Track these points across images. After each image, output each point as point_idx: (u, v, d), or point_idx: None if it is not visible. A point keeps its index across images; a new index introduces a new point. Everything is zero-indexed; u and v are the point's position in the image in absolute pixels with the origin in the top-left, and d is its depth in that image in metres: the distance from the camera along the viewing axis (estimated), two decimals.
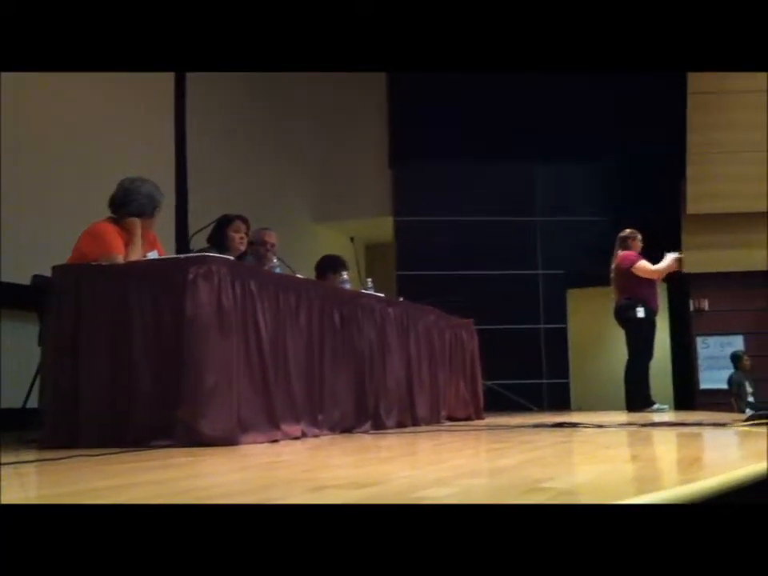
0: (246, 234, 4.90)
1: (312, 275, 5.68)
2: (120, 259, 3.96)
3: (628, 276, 7.42)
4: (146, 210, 4.19)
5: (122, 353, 3.58)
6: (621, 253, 7.58)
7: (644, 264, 7.40)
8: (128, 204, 4.16)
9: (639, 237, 7.63)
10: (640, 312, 7.34)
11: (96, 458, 2.89)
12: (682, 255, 7.55)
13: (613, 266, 7.63)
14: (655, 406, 7.31)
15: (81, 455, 2.96)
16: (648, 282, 7.43)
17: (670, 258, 7.44)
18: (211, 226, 4.98)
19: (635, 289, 7.40)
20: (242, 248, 4.85)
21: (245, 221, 4.91)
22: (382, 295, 5.52)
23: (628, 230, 7.68)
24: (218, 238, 4.85)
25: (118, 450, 3.19)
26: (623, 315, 7.51)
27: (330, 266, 5.88)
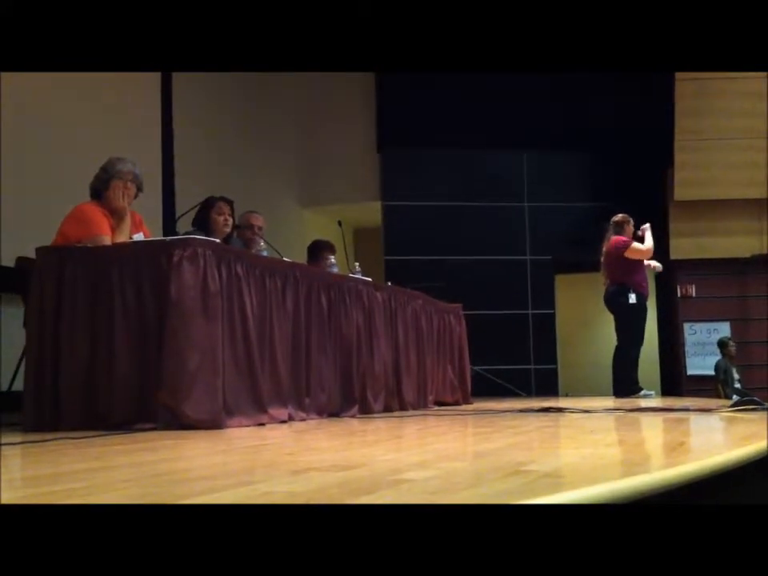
0: (231, 215, 4.85)
1: (299, 259, 5.65)
2: (107, 241, 3.93)
3: (620, 261, 7.39)
4: (101, 177, 4.15)
5: (104, 335, 3.55)
6: (614, 237, 7.54)
7: (637, 245, 7.39)
8: (98, 179, 4.15)
9: (631, 222, 7.60)
10: (632, 298, 7.31)
11: (78, 440, 2.87)
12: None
13: (604, 250, 7.60)
14: (642, 392, 7.31)
15: (63, 438, 2.94)
16: (638, 268, 7.42)
17: (646, 233, 7.47)
18: (196, 209, 4.94)
19: (626, 275, 7.38)
20: (227, 230, 4.80)
21: (228, 202, 4.86)
22: (369, 279, 5.50)
23: (621, 215, 7.62)
24: (202, 220, 4.81)
25: (100, 432, 3.17)
26: (614, 301, 7.48)
27: (319, 249, 5.90)
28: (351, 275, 5.40)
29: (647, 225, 7.50)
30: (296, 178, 10.62)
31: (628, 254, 7.35)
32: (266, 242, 4.85)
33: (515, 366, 10.07)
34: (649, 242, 7.42)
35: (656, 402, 6.44)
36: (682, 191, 10.06)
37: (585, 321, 11.99)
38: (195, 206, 4.93)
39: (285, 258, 4.73)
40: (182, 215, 5.08)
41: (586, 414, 4.42)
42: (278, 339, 4.10)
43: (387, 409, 5.22)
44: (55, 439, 2.89)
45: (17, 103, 5.59)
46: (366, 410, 4.91)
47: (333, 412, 4.61)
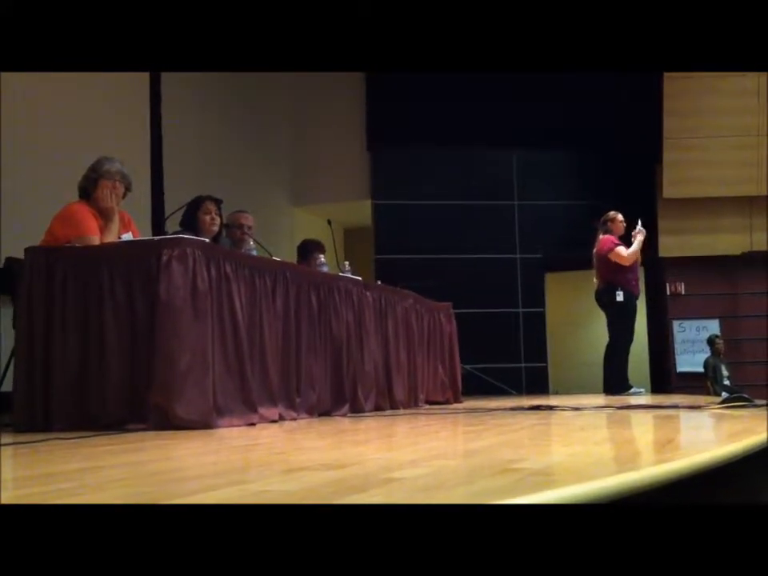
0: (218, 214, 4.80)
1: (289, 258, 5.65)
2: (95, 241, 3.92)
3: (607, 261, 7.42)
4: (90, 177, 4.15)
5: (94, 336, 3.55)
6: (601, 237, 7.57)
7: (619, 251, 7.38)
8: (86, 179, 4.14)
9: (620, 218, 7.58)
10: (619, 296, 7.35)
11: (69, 441, 2.87)
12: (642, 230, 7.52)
13: (594, 249, 7.62)
14: (632, 390, 7.34)
15: (54, 438, 2.93)
16: (628, 267, 7.43)
17: (636, 236, 7.45)
18: (184, 209, 4.92)
19: (614, 273, 7.40)
20: (215, 229, 4.75)
21: (216, 201, 4.80)
22: (359, 278, 5.50)
23: (611, 213, 7.63)
24: (190, 220, 4.77)
25: (91, 433, 3.17)
26: (603, 299, 7.53)
27: (309, 248, 5.90)
28: (341, 274, 5.40)
29: (640, 228, 7.48)
30: (286, 176, 10.61)
31: (611, 257, 7.39)
32: (255, 241, 4.84)
33: (505, 364, 10.08)
34: (634, 246, 7.42)
35: (645, 399, 6.46)
36: (670, 189, 10.09)
37: (575, 319, 12.02)
38: (183, 206, 4.92)
39: (274, 258, 4.72)
40: (171, 215, 5.07)
41: (576, 412, 4.44)
42: (268, 339, 4.10)
43: (378, 408, 5.22)
44: (46, 440, 2.88)
45: (3, 103, 5.56)
46: (356, 410, 4.92)
47: (323, 411, 4.61)
